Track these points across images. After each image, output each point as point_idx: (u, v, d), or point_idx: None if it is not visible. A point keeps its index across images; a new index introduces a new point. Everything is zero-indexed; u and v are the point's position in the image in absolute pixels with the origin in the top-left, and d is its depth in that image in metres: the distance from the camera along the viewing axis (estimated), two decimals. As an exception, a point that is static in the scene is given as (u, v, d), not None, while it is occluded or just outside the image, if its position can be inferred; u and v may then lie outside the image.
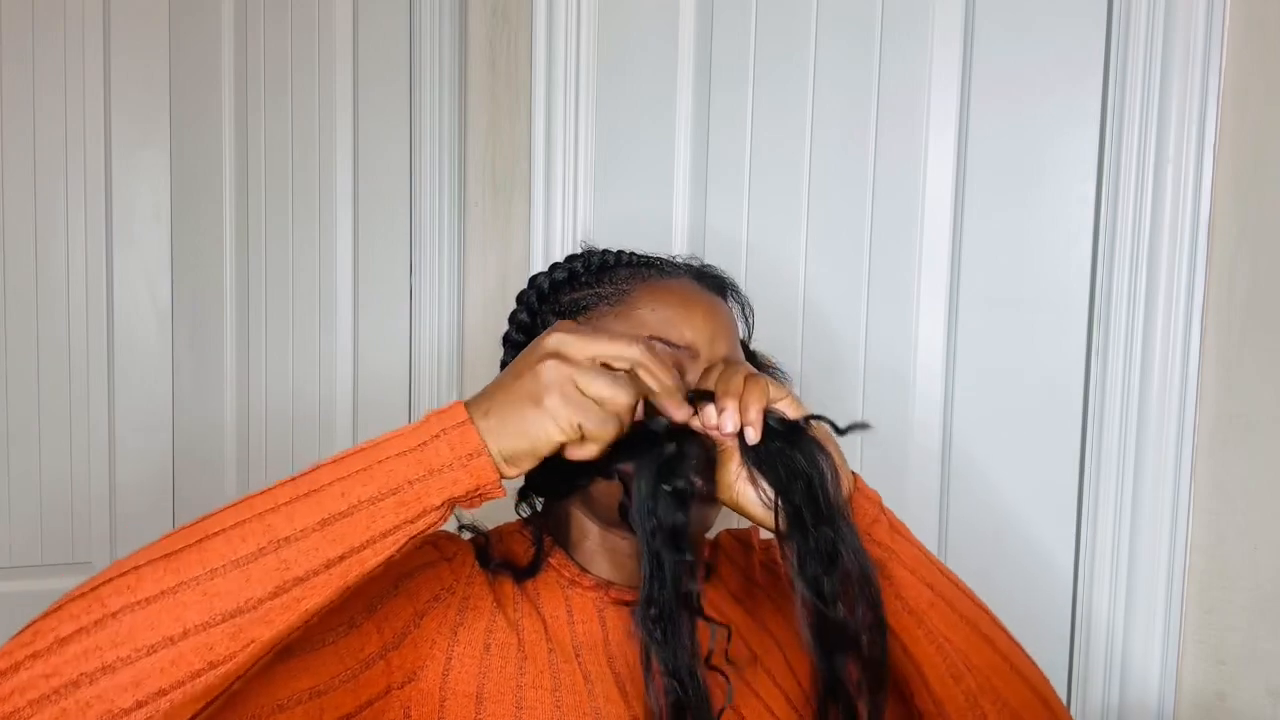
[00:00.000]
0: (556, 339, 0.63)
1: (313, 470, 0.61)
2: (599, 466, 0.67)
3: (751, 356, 0.89)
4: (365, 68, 1.58)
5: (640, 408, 0.66)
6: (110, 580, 0.57)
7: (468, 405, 0.63)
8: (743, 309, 0.89)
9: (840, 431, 0.73)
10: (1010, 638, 0.80)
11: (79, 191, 1.57)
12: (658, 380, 0.66)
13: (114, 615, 0.55)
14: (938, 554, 1.15)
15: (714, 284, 0.85)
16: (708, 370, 0.74)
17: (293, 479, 0.61)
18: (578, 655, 0.74)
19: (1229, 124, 0.97)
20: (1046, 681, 0.82)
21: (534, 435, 0.62)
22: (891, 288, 1.16)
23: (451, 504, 0.62)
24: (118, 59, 1.58)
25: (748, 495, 0.71)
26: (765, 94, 1.24)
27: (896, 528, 0.77)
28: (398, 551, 0.61)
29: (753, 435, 0.69)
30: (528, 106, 1.42)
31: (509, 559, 0.78)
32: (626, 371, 0.64)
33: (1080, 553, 1.07)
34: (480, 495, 0.62)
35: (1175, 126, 0.98)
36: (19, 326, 1.55)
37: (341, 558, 0.59)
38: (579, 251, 0.87)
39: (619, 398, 0.63)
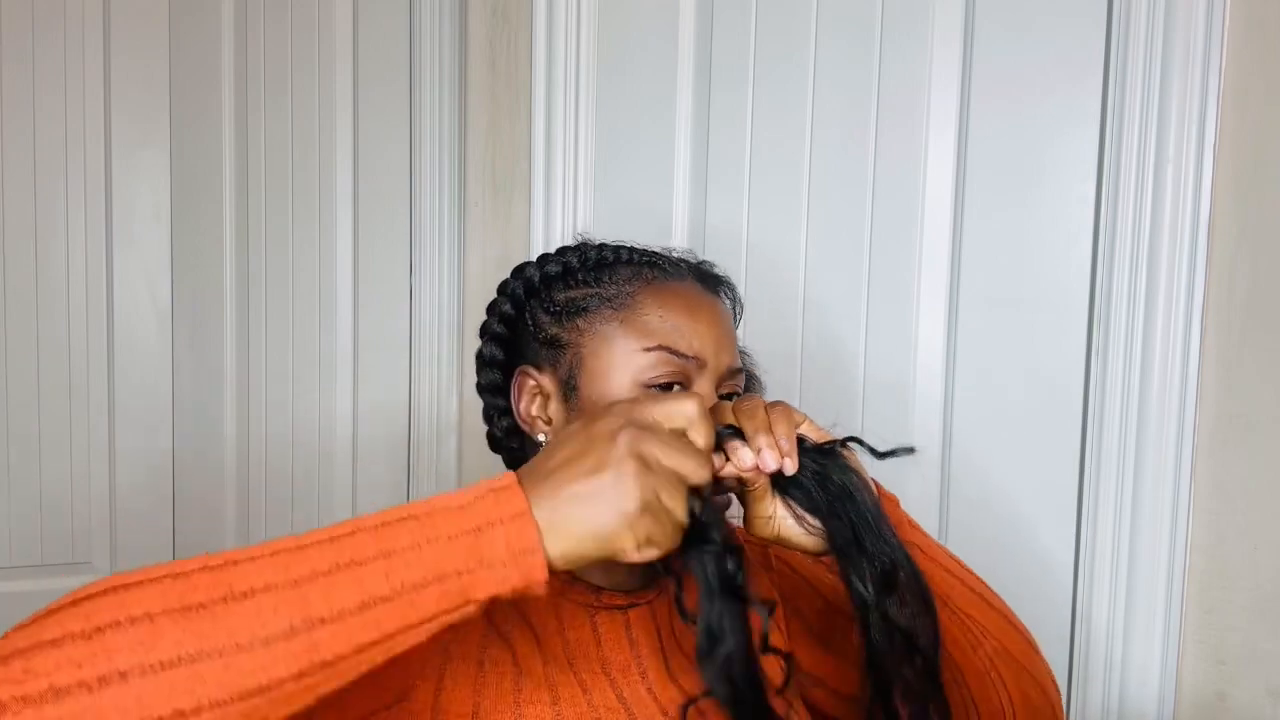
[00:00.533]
0: (632, 435, 0.58)
1: (352, 531, 0.55)
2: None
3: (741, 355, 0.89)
4: (365, 68, 1.58)
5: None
6: (118, 625, 0.50)
7: (524, 485, 0.57)
8: (733, 305, 0.88)
9: (879, 455, 0.71)
10: (1001, 601, 0.83)
11: (79, 191, 1.57)
12: (704, 437, 0.63)
13: (122, 675, 0.48)
14: (938, 554, 1.15)
15: (712, 282, 0.84)
16: (721, 405, 0.72)
17: (331, 538, 0.55)
18: (571, 664, 0.72)
19: (1229, 124, 0.97)
20: (1029, 630, 0.85)
21: (604, 545, 0.57)
22: (891, 288, 1.16)
23: (491, 597, 0.56)
24: (118, 59, 1.58)
25: (790, 526, 0.70)
26: (765, 94, 1.24)
27: (913, 523, 0.78)
28: (428, 637, 0.56)
29: (791, 466, 0.68)
30: (528, 106, 1.42)
31: None
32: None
33: (1080, 553, 1.07)
34: (525, 593, 0.57)
35: (1175, 126, 0.98)
36: (19, 326, 1.55)
37: (374, 643, 0.54)
38: (572, 244, 0.84)
39: (699, 474, 0.60)
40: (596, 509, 0.56)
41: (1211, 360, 0.98)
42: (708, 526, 0.62)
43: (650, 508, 0.57)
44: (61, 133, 1.56)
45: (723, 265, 0.90)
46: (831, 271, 1.20)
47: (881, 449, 0.71)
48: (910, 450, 0.70)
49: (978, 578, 0.81)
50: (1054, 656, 1.08)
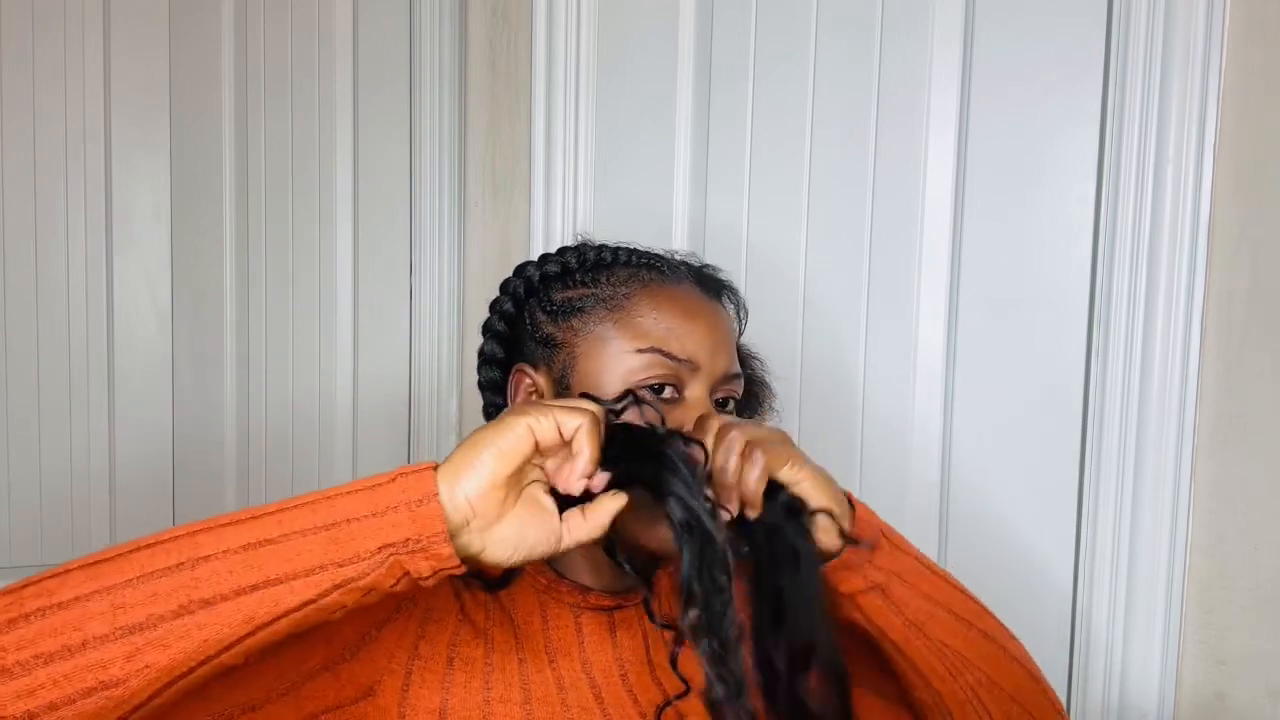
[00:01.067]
0: (519, 407, 0.62)
1: (273, 503, 0.59)
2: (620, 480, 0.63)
3: (745, 361, 0.88)
4: (365, 68, 1.58)
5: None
6: (39, 580, 0.56)
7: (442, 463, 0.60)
8: (738, 310, 0.88)
9: (845, 539, 0.68)
10: (1001, 626, 0.80)
11: (79, 192, 1.57)
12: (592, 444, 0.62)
13: (26, 618, 0.54)
14: (937, 555, 1.15)
15: (713, 286, 0.83)
16: (704, 419, 0.70)
17: (252, 508, 0.59)
18: (552, 662, 0.72)
19: (1229, 124, 0.97)
20: (1032, 660, 0.83)
21: (494, 441, 0.59)
22: (891, 287, 1.16)
23: (389, 552, 0.57)
24: (118, 59, 1.58)
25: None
26: (765, 94, 1.24)
27: (896, 543, 0.74)
28: (325, 603, 0.56)
29: (751, 514, 0.65)
30: (528, 106, 1.42)
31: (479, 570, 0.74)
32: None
33: (1080, 553, 1.07)
34: (424, 549, 0.57)
35: (1175, 126, 0.98)
36: (19, 326, 1.55)
37: (254, 587, 0.55)
38: (572, 244, 0.84)
39: (583, 411, 0.62)
40: (483, 433, 0.60)
41: (1211, 360, 0.98)
42: (662, 440, 0.64)
43: (546, 411, 0.60)
44: (61, 133, 1.56)
45: (724, 266, 0.90)
46: (831, 271, 1.20)
47: (854, 533, 0.68)
48: (870, 548, 0.70)
49: (972, 603, 0.78)
50: (1054, 656, 1.08)
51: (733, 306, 0.85)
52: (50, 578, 0.55)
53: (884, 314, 1.17)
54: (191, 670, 0.55)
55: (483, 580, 0.74)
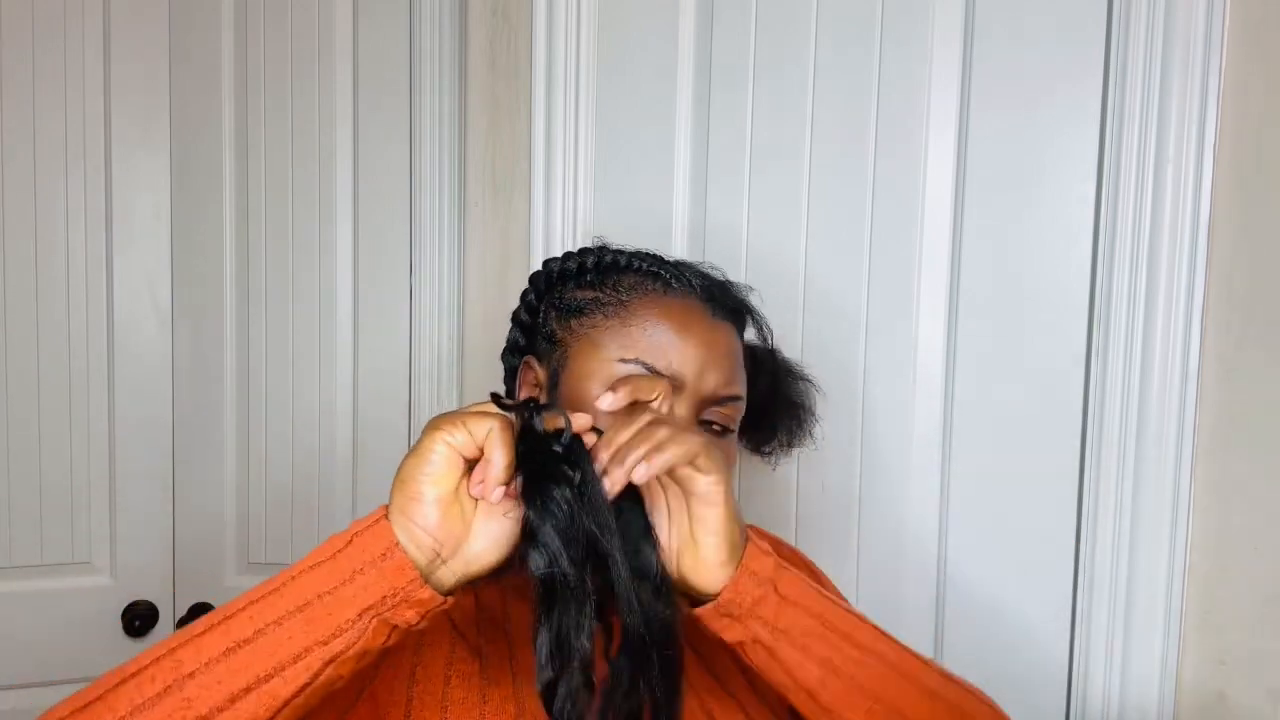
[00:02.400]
0: (432, 422, 0.60)
1: (241, 597, 0.58)
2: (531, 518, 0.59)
3: (772, 355, 0.87)
4: (365, 68, 1.58)
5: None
6: None
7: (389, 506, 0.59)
8: (759, 331, 0.87)
9: (693, 599, 0.64)
10: (920, 689, 0.71)
11: (79, 192, 1.57)
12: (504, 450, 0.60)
13: None
14: (937, 555, 1.15)
15: (725, 306, 0.80)
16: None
17: (222, 607, 0.58)
18: None
19: (1229, 124, 0.97)
20: (979, 701, 0.76)
21: (423, 463, 0.57)
22: (891, 287, 1.16)
23: (371, 615, 0.56)
24: (118, 59, 1.58)
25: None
26: (765, 94, 1.24)
27: (787, 596, 0.67)
28: (322, 681, 0.56)
29: (609, 486, 0.60)
30: (528, 106, 1.41)
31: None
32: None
33: (1080, 553, 1.07)
34: (404, 599, 0.56)
35: (1175, 126, 0.98)
36: (19, 327, 1.55)
37: (247, 689, 0.54)
38: (592, 245, 0.85)
39: (490, 415, 0.60)
40: (405, 463, 0.59)
41: (1211, 360, 0.98)
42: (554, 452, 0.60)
43: (457, 421, 0.59)
44: (61, 134, 1.56)
45: (723, 266, 0.89)
46: (831, 271, 1.20)
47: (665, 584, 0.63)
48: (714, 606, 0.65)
49: (882, 661, 0.70)
50: (1054, 656, 1.08)
51: (755, 328, 0.84)
52: None
53: (884, 314, 1.17)
54: None
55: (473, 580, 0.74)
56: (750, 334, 0.88)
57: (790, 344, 1.21)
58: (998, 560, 1.12)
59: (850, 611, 0.71)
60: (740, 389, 0.78)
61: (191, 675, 0.54)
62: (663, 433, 0.61)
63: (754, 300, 0.88)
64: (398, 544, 0.57)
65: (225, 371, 1.62)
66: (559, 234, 1.37)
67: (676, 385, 0.73)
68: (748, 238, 1.25)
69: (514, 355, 0.85)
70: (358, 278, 1.60)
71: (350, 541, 0.57)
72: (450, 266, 1.54)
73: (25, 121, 1.54)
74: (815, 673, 0.68)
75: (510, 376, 0.85)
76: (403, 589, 0.57)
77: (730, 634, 0.67)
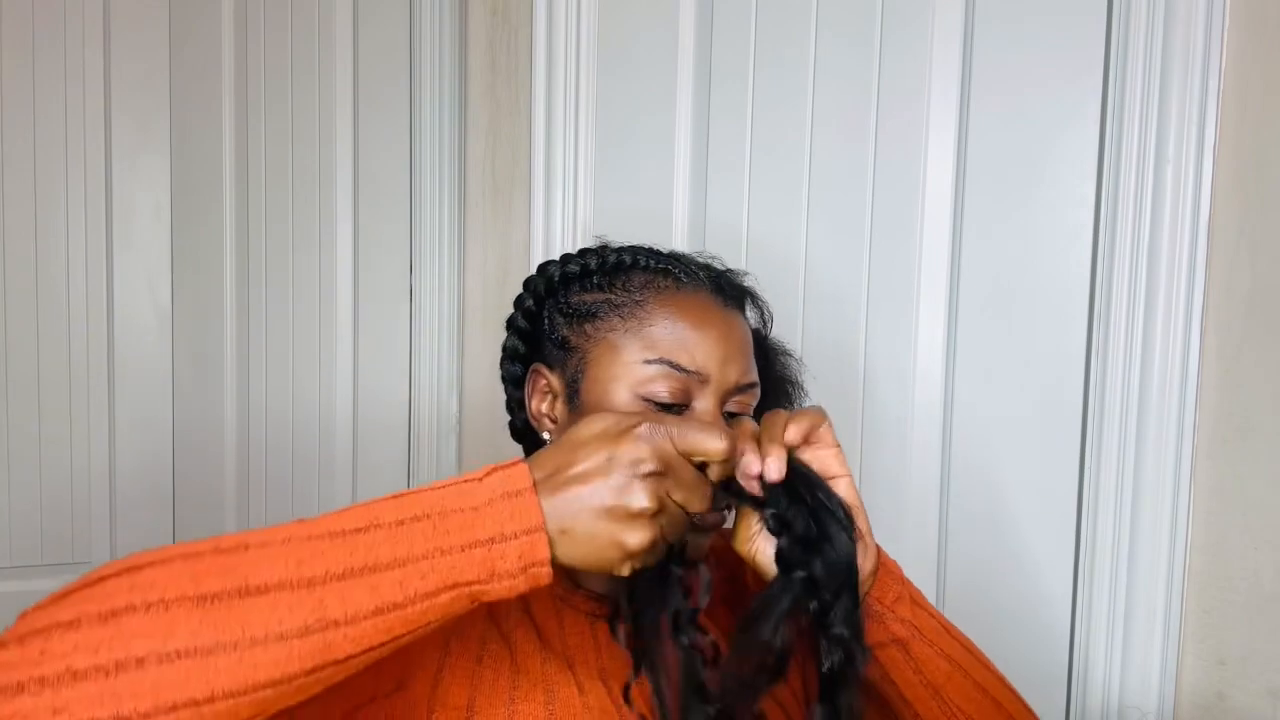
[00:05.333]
0: (657, 462, 0.58)
1: (367, 527, 0.55)
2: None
3: (768, 352, 0.88)
4: (365, 67, 1.58)
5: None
6: (133, 610, 0.50)
7: (539, 490, 0.57)
8: (761, 315, 0.87)
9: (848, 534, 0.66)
10: (1014, 694, 0.79)
11: (79, 193, 1.57)
12: (717, 475, 0.63)
13: (138, 661, 0.49)
14: (937, 555, 1.15)
15: (732, 294, 0.82)
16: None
17: (344, 531, 0.55)
18: (571, 667, 0.73)
19: (1229, 124, 0.96)
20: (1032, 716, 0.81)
21: (604, 561, 0.58)
22: (891, 287, 1.16)
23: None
24: (118, 59, 1.58)
25: (764, 554, 0.67)
26: (765, 94, 1.24)
27: (918, 600, 0.74)
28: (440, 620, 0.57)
29: (773, 470, 0.64)
30: (528, 106, 1.42)
31: None
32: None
33: (1080, 553, 1.07)
34: (530, 581, 0.58)
35: (1175, 126, 0.98)
36: (19, 327, 1.55)
37: (383, 644, 0.55)
38: (594, 246, 0.84)
39: (701, 507, 0.61)
40: (604, 529, 0.57)
41: (1211, 360, 0.98)
42: (671, 570, 0.64)
43: (652, 540, 0.58)
44: (62, 134, 1.56)
45: (722, 263, 0.89)
46: (831, 270, 1.20)
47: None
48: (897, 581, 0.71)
49: (989, 672, 0.78)
50: (1054, 656, 1.08)
51: (758, 313, 0.85)
52: (149, 609, 0.50)
53: (884, 313, 1.17)
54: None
55: None
56: (751, 316, 0.88)
57: (791, 341, 1.21)
58: (997, 559, 1.12)
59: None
60: (755, 375, 0.80)
61: (337, 624, 0.53)
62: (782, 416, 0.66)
63: (750, 284, 0.89)
64: (549, 560, 0.57)
65: (225, 371, 1.62)
66: (559, 233, 1.37)
67: (701, 379, 0.74)
68: (748, 237, 1.25)
69: (514, 363, 0.84)
70: (358, 277, 1.60)
71: (510, 537, 0.57)
72: (450, 266, 1.54)
73: (25, 121, 1.54)
74: (944, 668, 0.73)
75: (515, 384, 0.84)
76: (532, 590, 0.58)
77: (870, 634, 0.70)
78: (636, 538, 0.57)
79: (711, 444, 0.60)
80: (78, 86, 1.56)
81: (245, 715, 0.51)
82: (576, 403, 0.77)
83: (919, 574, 1.15)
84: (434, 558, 0.55)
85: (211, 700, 0.50)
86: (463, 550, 0.55)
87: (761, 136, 1.24)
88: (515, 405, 0.84)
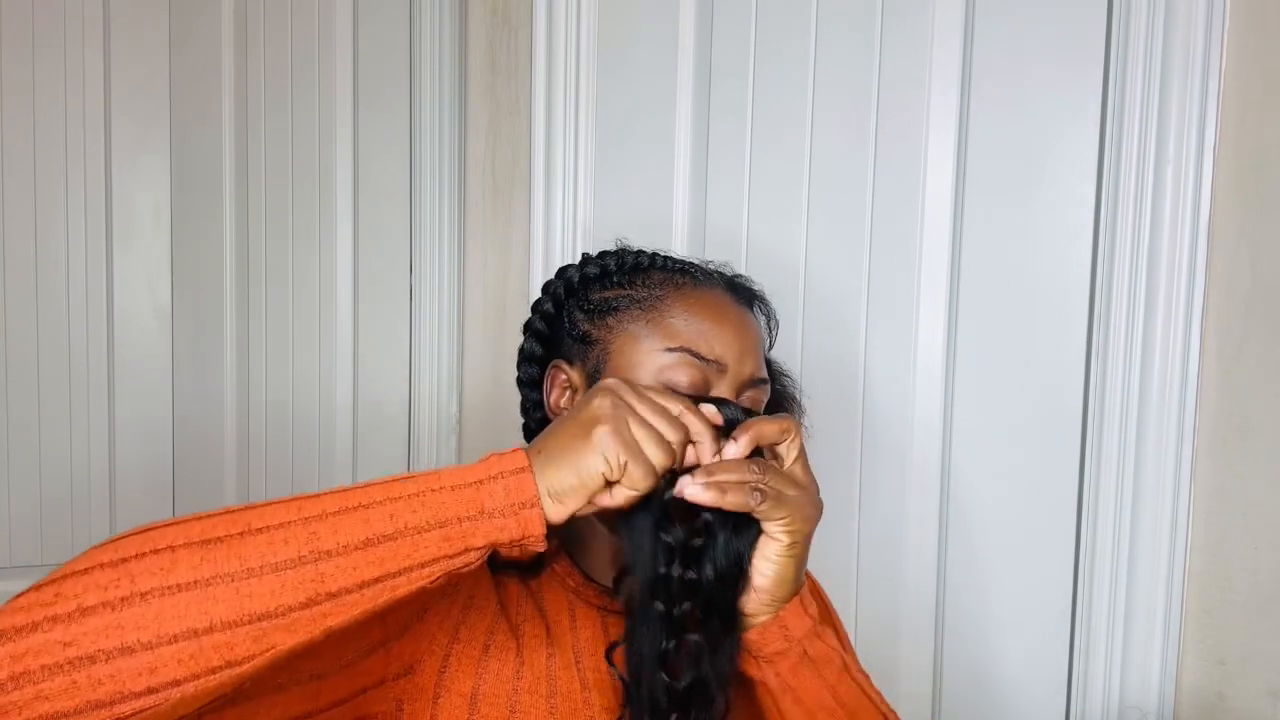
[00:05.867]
0: (613, 382, 0.65)
1: (365, 485, 0.60)
2: (609, 517, 0.67)
3: (770, 365, 0.88)
4: (365, 67, 1.58)
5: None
6: (142, 556, 0.55)
7: (527, 451, 0.63)
8: (768, 320, 0.88)
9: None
10: None
11: (79, 193, 1.57)
12: (699, 430, 0.66)
13: (142, 596, 0.53)
14: (937, 555, 1.15)
15: (744, 295, 0.85)
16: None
17: (343, 489, 0.60)
18: (578, 661, 0.74)
19: (1229, 124, 0.96)
20: None
21: (582, 470, 0.62)
22: (891, 287, 1.16)
23: (492, 548, 0.61)
24: (118, 60, 1.58)
25: (759, 584, 0.70)
26: (765, 95, 1.24)
27: (815, 659, 0.72)
28: (431, 584, 0.60)
29: (690, 493, 0.66)
30: (528, 106, 1.42)
31: (515, 559, 0.77)
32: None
33: (1080, 553, 1.07)
34: (523, 545, 0.62)
35: (1175, 126, 0.98)
36: (19, 327, 1.55)
37: (377, 580, 0.58)
38: (612, 249, 0.86)
39: (669, 433, 0.64)
40: (573, 438, 0.62)
41: (1211, 360, 0.98)
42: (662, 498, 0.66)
43: (619, 432, 0.62)
44: (62, 135, 1.56)
45: (722, 263, 0.90)
46: (831, 271, 1.20)
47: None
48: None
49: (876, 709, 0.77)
50: (1054, 656, 1.08)
51: (764, 317, 0.87)
52: (156, 553, 0.55)
53: (884, 314, 1.17)
54: (309, 645, 0.58)
55: (518, 566, 0.77)
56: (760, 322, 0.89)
57: (790, 344, 1.21)
58: (997, 560, 1.12)
59: (865, 693, 0.76)
60: (767, 374, 0.82)
61: (328, 554, 0.57)
62: (771, 479, 0.67)
63: (759, 289, 0.90)
64: (538, 502, 0.61)
65: (225, 371, 1.62)
66: (559, 233, 1.37)
67: (720, 369, 0.76)
68: (748, 237, 1.25)
69: (531, 365, 0.85)
70: (358, 277, 1.60)
71: (494, 477, 0.61)
72: (450, 266, 1.54)
73: (25, 122, 1.54)
74: (820, 692, 0.72)
75: (531, 386, 0.85)
76: (529, 539, 0.61)
77: (747, 667, 0.72)
78: (609, 445, 0.61)
79: (670, 404, 0.65)
80: (78, 88, 1.56)
81: (244, 651, 0.55)
82: None
83: (917, 574, 1.15)
84: (425, 495, 0.60)
85: (210, 630, 0.54)
86: (452, 489, 0.60)
87: (761, 136, 1.24)
88: (531, 406, 0.85)
